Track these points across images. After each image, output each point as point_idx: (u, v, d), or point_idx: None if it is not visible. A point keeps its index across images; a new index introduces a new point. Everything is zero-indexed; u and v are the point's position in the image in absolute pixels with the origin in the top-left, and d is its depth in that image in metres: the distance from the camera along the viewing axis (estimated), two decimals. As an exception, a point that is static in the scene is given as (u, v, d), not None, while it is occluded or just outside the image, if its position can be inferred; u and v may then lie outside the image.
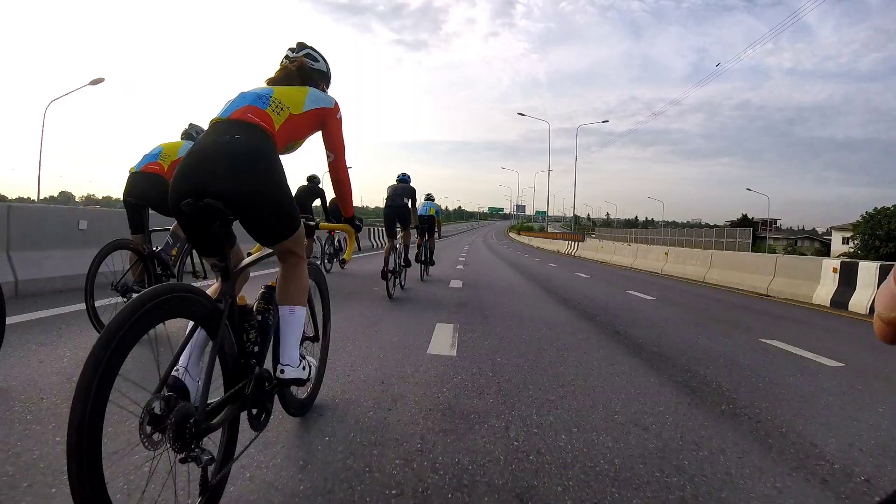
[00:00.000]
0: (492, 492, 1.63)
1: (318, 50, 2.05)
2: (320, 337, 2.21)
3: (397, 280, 6.51)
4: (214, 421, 1.33)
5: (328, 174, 1.96)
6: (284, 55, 2.00)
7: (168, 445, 1.19)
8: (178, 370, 1.35)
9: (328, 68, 2.06)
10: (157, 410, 1.17)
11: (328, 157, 1.92)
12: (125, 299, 3.30)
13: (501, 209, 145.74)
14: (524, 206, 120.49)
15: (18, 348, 2.81)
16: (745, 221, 62.84)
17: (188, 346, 1.40)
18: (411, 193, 7.08)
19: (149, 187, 3.51)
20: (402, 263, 6.88)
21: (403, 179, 7.19)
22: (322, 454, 1.82)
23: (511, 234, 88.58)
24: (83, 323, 3.26)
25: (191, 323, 1.39)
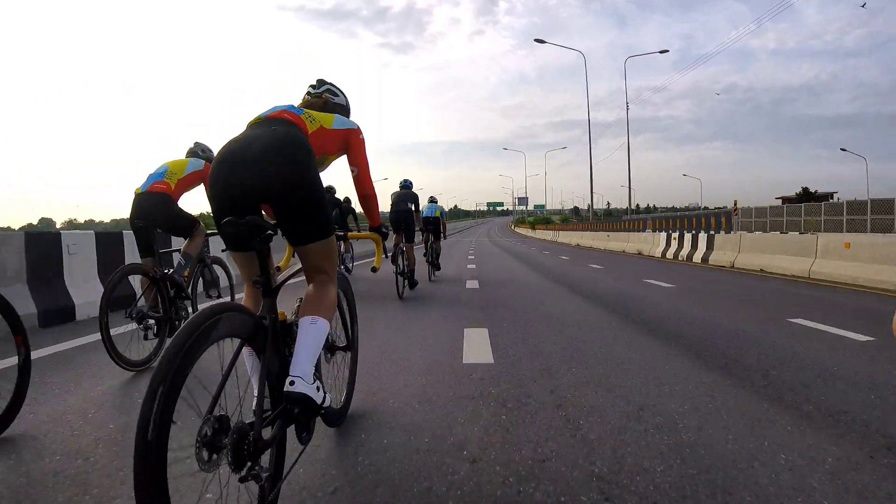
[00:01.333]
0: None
1: (336, 85, 2.16)
2: (350, 346, 2.22)
3: (406, 281, 6.69)
4: (268, 438, 1.32)
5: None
6: (307, 91, 2.11)
7: (227, 464, 1.18)
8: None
9: (347, 102, 2.16)
10: (208, 432, 1.15)
11: (353, 171, 1.99)
12: (141, 327, 3.16)
13: (501, 203, 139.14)
14: (527, 198, 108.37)
15: (42, 386, 2.67)
16: (807, 195, 48.48)
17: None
18: (414, 199, 7.58)
19: (156, 207, 3.37)
20: (409, 275, 6.95)
21: (406, 186, 7.73)
22: (377, 466, 1.75)
23: (518, 230, 79.10)
24: (101, 354, 3.12)
25: (237, 341, 1.34)
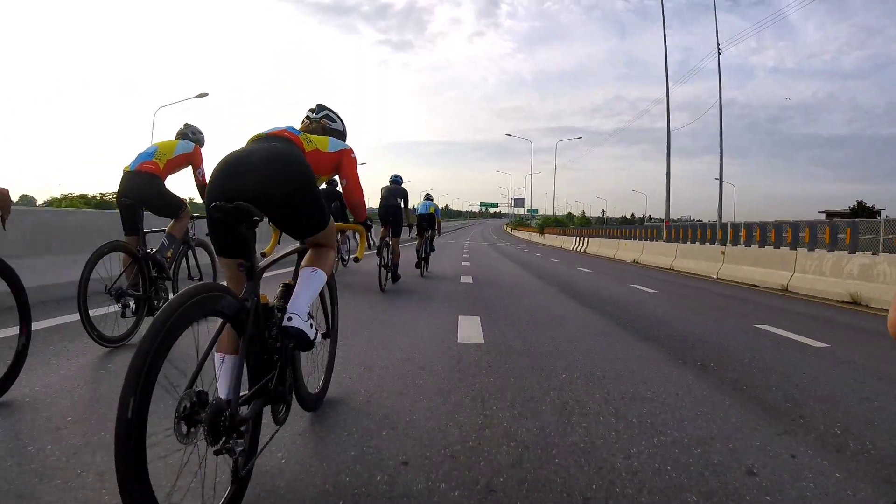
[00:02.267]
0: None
1: (335, 111, 2.32)
2: (330, 333, 2.30)
3: (388, 274, 6.86)
4: (244, 415, 1.39)
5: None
6: (306, 115, 2.28)
7: (203, 438, 1.25)
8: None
9: (344, 127, 2.32)
10: (187, 405, 1.22)
11: (342, 182, 2.17)
12: (119, 304, 3.17)
13: (495, 204, 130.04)
14: (523, 199, 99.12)
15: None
16: (862, 210, 42.53)
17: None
18: (403, 194, 7.67)
19: (144, 187, 3.39)
20: (392, 269, 7.08)
21: (396, 181, 7.86)
22: (383, 438, 1.95)
23: (516, 233, 69.00)
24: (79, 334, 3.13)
25: (218, 321, 1.42)
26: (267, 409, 1.65)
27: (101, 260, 3.03)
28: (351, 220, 2.41)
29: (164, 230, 3.67)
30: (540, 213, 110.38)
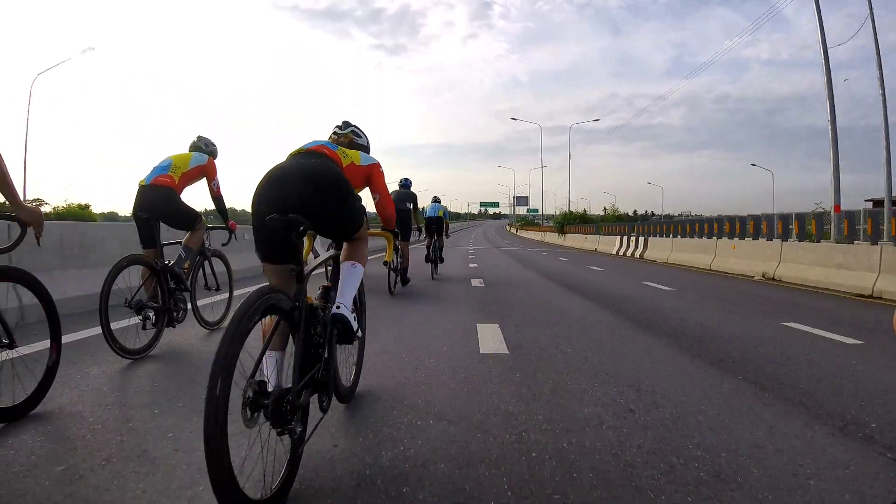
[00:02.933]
0: None
1: (360, 127, 2.50)
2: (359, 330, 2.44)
3: (398, 278, 7.02)
4: (301, 401, 1.60)
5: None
6: (333, 131, 2.46)
7: (266, 421, 1.48)
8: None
9: (368, 143, 2.51)
10: (250, 394, 1.43)
11: (375, 198, 2.39)
12: (140, 317, 3.22)
13: (496, 204, 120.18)
14: (526, 197, 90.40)
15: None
16: None
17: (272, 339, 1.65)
18: (413, 198, 7.77)
19: (160, 200, 3.44)
20: (402, 273, 7.22)
21: (405, 185, 7.92)
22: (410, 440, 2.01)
23: (523, 233, 61.43)
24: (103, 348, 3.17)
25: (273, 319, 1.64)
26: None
27: (115, 273, 3.07)
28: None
29: (179, 242, 3.72)
30: (540, 212, 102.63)
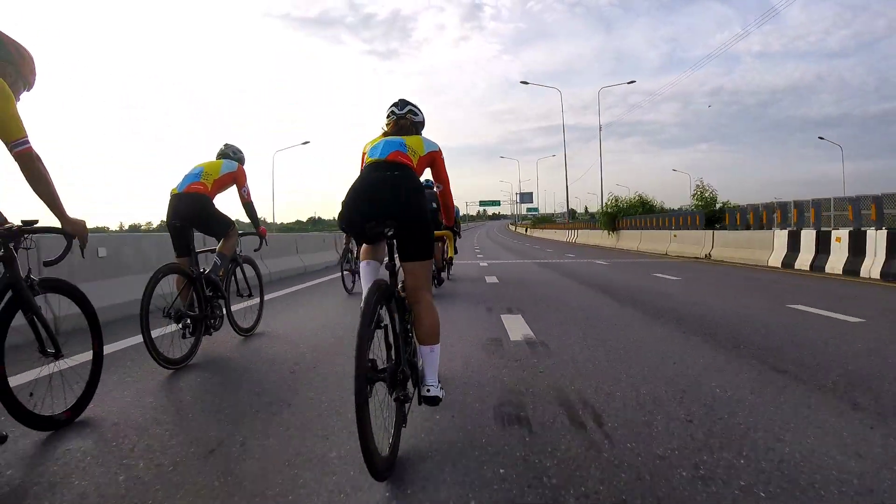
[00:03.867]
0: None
1: (416, 105, 2.51)
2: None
3: (355, 277, 7.00)
4: (407, 372, 1.93)
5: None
6: (391, 110, 2.47)
7: (385, 389, 1.88)
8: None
9: (423, 119, 2.53)
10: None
11: (437, 187, 2.49)
12: (180, 326, 3.21)
13: (497, 202, 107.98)
14: (531, 193, 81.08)
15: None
16: None
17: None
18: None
19: (194, 208, 3.44)
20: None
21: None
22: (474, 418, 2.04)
23: (535, 233, 52.31)
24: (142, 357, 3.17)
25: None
26: None
27: (154, 282, 3.06)
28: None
29: (212, 250, 3.72)
30: (540, 211, 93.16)
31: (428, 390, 2.07)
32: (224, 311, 3.64)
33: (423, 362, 2.11)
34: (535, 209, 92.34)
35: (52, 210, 2.05)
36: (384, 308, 1.90)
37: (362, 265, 2.28)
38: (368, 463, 1.62)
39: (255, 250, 4.18)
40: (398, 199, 2.06)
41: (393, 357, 1.93)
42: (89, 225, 2.21)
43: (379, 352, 1.87)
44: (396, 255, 2.12)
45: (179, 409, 2.45)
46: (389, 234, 2.03)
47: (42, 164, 1.97)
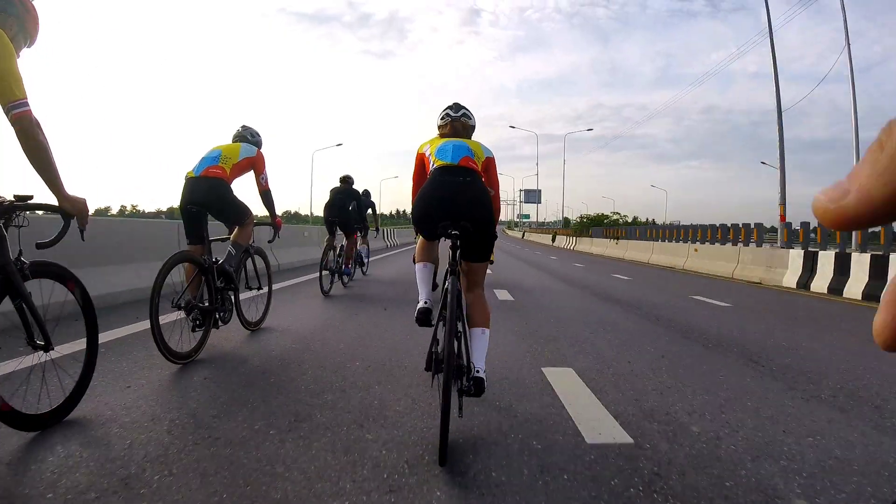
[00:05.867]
0: None
1: (468, 108, 2.67)
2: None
3: (336, 278, 6.66)
4: (465, 363, 2.15)
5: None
6: (446, 113, 2.64)
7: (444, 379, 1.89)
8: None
9: (475, 122, 2.70)
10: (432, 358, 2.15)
11: (490, 192, 2.48)
12: (190, 318, 3.06)
13: None
14: (537, 191, 65.22)
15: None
16: None
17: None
18: (355, 196, 7.23)
19: (212, 193, 3.29)
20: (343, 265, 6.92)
21: (347, 182, 7.32)
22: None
23: (582, 247, 31.04)
24: (142, 346, 3.01)
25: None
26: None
27: (166, 271, 2.91)
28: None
29: (226, 238, 3.56)
30: (532, 219, 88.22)
31: (477, 371, 2.17)
32: (233, 304, 3.49)
33: (473, 346, 2.23)
34: (527, 216, 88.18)
35: (48, 185, 1.86)
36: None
37: (419, 266, 2.47)
38: (442, 450, 1.78)
39: (269, 241, 4.03)
40: (471, 204, 2.26)
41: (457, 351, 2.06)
42: (91, 207, 2.04)
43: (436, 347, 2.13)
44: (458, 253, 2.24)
45: (184, 408, 2.30)
46: (455, 233, 2.20)
47: (42, 131, 1.79)
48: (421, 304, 2.35)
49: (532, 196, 67.35)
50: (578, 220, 35.27)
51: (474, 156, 2.42)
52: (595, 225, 31.24)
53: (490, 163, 2.54)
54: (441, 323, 2.18)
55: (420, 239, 2.52)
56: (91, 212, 2.07)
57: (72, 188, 1.95)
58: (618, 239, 22.21)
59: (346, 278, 7.00)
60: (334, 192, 7.11)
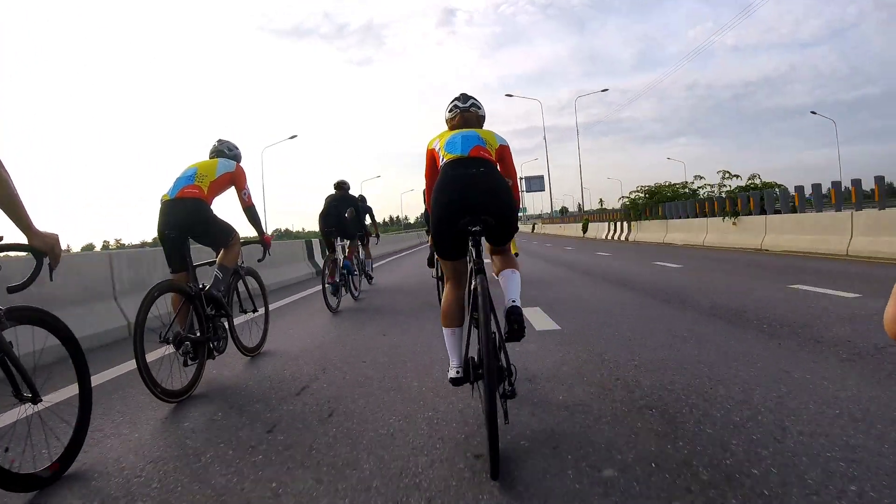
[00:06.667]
0: None
1: (477, 98, 2.57)
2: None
3: (344, 291, 6.13)
4: (505, 366, 1.99)
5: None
6: (454, 104, 2.54)
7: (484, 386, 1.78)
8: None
9: (485, 112, 2.60)
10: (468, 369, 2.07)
11: (507, 181, 2.33)
12: (179, 352, 2.85)
13: None
14: (540, 177, 59.01)
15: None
16: None
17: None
18: (352, 202, 6.74)
19: (190, 215, 3.09)
20: (355, 274, 6.54)
21: (341, 186, 6.84)
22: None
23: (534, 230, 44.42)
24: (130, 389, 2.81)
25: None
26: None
27: (148, 302, 2.71)
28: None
29: (210, 263, 3.36)
30: (529, 212, 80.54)
31: (513, 301, 2.19)
32: (228, 331, 3.28)
33: (507, 284, 2.28)
34: (524, 209, 76.14)
35: (15, 223, 1.69)
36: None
37: (447, 333, 2.21)
38: (493, 462, 1.68)
39: (258, 260, 3.81)
40: (489, 196, 2.13)
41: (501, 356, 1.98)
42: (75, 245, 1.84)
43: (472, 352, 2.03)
44: (483, 253, 2.13)
45: (185, 451, 2.11)
46: (476, 229, 2.08)
47: (2, 166, 1.62)
48: (452, 374, 2.15)
49: (535, 184, 59.71)
50: (630, 197, 22.17)
51: (486, 144, 2.29)
52: (664, 200, 19.55)
53: (505, 151, 2.40)
54: (473, 326, 2.12)
55: (442, 265, 2.38)
56: (77, 249, 1.88)
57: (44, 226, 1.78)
58: (735, 216, 13.45)
59: (355, 291, 6.51)
60: (329, 200, 6.56)
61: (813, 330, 3.59)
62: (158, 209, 3.14)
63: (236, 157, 3.58)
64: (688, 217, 16.91)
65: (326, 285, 5.61)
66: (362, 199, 8.31)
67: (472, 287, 2.07)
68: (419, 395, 2.61)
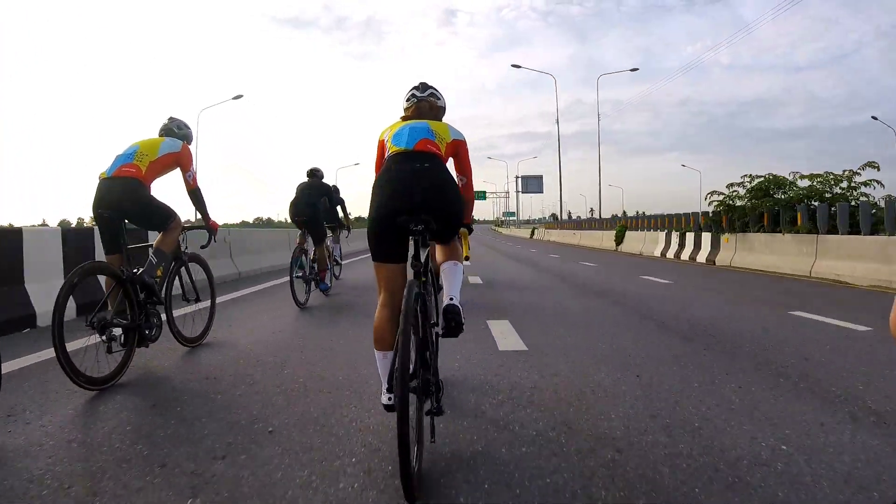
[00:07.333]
0: None
1: (437, 88, 2.41)
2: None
3: (313, 285, 5.90)
4: (435, 381, 1.91)
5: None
6: (412, 93, 2.36)
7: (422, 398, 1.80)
8: None
9: (445, 104, 2.43)
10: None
11: (461, 180, 2.30)
12: (104, 338, 2.72)
13: (482, 194, 62.38)
14: (539, 177, 54.11)
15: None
16: None
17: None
18: (325, 192, 6.38)
19: (125, 195, 2.97)
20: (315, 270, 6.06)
21: (316, 175, 6.42)
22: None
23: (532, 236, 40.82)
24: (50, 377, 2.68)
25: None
26: None
27: (70, 286, 2.59)
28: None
29: (150, 245, 3.23)
30: (520, 217, 73.28)
31: (451, 299, 2.03)
32: (162, 318, 3.15)
33: (448, 278, 2.14)
34: (513, 213, 71.59)
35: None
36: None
37: (379, 356, 2.00)
38: (405, 485, 1.55)
39: (201, 247, 3.68)
40: (432, 192, 2.01)
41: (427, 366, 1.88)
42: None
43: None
44: (424, 253, 2.04)
45: (98, 441, 1.99)
46: (418, 229, 1.95)
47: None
48: (384, 400, 1.95)
49: (532, 184, 53.16)
50: (725, 194, 12.08)
51: (436, 137, 2.13)
52: (789, 202, 10.84)
53: (459, 146, 2.24)
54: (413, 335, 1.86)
55: (376, 273, 2.06)
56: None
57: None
58: None
59: (327, 284, 6.17)
60: (301, 188, 6.17)
61: None
62: (96, 187, 3.01)
63: (186, 136, 3.45)
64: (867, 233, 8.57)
65: (295, 278, 5.36)
66: (336, 189, 7.82)
67: (407, 292, 1.78)
68: (357, 414, 2.46)
